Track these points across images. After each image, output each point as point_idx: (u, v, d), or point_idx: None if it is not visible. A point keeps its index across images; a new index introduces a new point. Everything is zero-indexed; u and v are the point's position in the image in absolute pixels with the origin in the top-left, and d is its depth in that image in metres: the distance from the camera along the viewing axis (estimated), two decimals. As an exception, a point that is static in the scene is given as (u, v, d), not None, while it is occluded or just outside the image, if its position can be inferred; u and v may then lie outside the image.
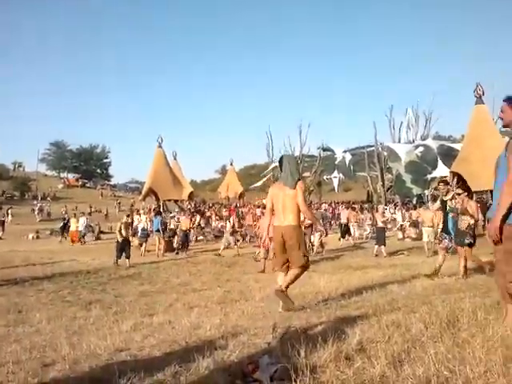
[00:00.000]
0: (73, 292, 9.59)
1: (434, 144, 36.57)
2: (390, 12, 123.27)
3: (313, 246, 16.06)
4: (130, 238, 16.80)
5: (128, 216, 16.51)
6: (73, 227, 24.92)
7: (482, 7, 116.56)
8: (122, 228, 14.76)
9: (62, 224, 26.76)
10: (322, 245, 16.47)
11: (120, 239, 14.61)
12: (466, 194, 8.67)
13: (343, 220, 20.78)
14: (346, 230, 20.31)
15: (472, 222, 8.32)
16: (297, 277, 5.69)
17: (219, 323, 4.93)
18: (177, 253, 17.70)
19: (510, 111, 3.82)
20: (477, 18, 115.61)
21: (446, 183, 9.43)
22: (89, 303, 8.08)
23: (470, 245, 8.31)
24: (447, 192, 8.88)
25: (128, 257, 14.33)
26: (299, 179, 5.79)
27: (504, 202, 3.55)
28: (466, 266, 8.32)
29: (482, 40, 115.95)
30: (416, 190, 40.24)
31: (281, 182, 5.88)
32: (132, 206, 44.94)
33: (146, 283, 10.59)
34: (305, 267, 5.66)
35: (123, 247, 14.50)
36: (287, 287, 5.65)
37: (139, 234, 18.52)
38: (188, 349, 3.82)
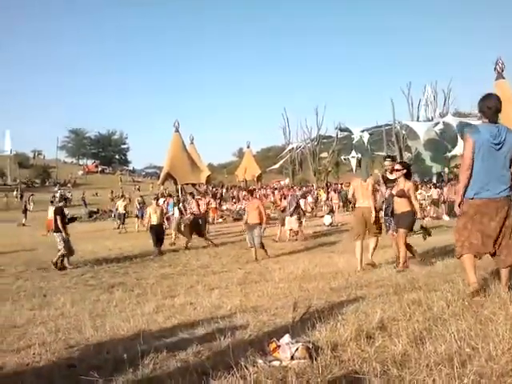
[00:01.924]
0: (95, 276, 9.75)
1: (453, 121, 36.00)
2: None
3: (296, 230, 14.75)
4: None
5: (156, 199, 15.86)
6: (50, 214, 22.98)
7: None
8: (152, 213, 13.55)
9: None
10: (297, 231, 14.72)
11: (155, 222, 13.36)
12: (405, 171, 7.19)
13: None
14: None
15: (408, 207, 7.12)
16: (375, 243, 7.88)
17: (239, 304, 4.97)
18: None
19: None
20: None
21: (393, 159, 8.29)
22: (111, 286, 8.22)
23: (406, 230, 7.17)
24: (392, 170, 7.62)
25: (160, 244, 13.14)
26: (370, 175, 8.22)
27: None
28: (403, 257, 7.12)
29: (504, 15, 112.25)
30: (436, 168, 39.72)
31: (359, 176, 8.33)
32: (162, 191, 45.30)
33: (167, 266, 10.70)
34: (378, 235, 7.93)
35: (157, 234, 13.25)
36: (372, 253, 7.83)
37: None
38: (209, 329, 3.87)
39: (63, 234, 11.19)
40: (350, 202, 22.12)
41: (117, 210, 24.57)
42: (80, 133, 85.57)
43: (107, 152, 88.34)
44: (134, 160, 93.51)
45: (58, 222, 11.23)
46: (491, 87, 21.74)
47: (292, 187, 43.05)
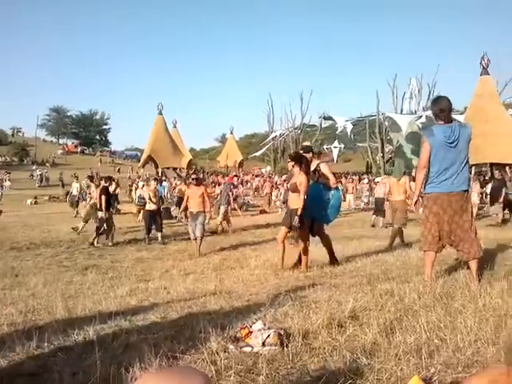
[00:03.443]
0: (70, 257, 9.64)
1: (431, 111, 36.25)
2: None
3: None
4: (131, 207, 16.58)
5: (156, 181, 14.76)
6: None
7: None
8: (152, 196, 12.35)
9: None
10: (225, 220, 14.34)
11: (152, 207, 12.30)
12: (296, 162, 6.29)
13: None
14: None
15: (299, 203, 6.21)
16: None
17: (214, 289, 4.97)
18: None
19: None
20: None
21: (308, 150, 6.91)
22: (85, 268, 8.14)
23: (299, 228, 6.37)
24: (311, 162, 6.64)
25: (160, 229, 12.26)
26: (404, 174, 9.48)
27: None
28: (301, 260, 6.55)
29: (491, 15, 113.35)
30: (416, 162, 40.05)
31: (396, 175, 10.20)
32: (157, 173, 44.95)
33: (143, 249, 10.64)
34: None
35: (154, 218, 12.27)
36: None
37: (137, 202, 18.51)
38: (182, 313, 3.85)
39: (104, 212, 11.61)
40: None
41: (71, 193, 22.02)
42: (61, 111, 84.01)
43: (88, 132, 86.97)
44: (115, 141, 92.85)
45: (103, 200, 11.65)
46: (475, 82, 22.09)
47: (270, 176, 43.14)
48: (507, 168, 22.88)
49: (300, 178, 6.14)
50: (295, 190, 6.22)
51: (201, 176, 18.64)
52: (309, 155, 6.57)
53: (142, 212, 17.58)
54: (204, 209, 10.02)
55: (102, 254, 10.10)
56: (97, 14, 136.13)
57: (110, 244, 11.47)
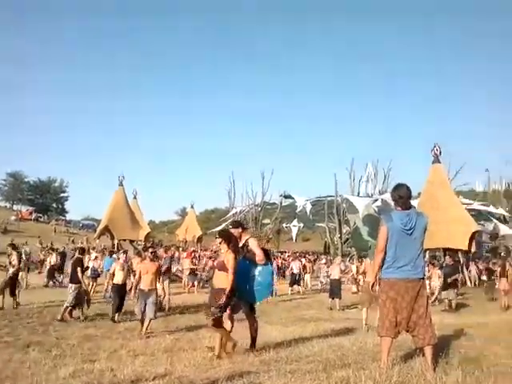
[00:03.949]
0: (12, 332, 9.04)
1: (391, 198, 37.55)
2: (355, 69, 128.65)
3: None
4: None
5: (125, 253, 13.79)
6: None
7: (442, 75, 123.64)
8: (118, 269, 11.55)
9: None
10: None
11: (120, 281, 11.35)
12: (223, 240, 6.01)
13: (295, 270, 20.79)
14: (295, 280, 20.36)
15: (225, 283, 5.78)
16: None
17: (164, 373, 4.71)
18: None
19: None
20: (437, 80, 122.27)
21: (237, 226, 6.57)
22: (27, 345, 7.61)
23: (217, 316, 5.78)
24: (240, 237, 6.32)
25: (121, 309, 11.17)
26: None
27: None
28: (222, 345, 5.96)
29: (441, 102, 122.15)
30: (372, 244, 40.85)
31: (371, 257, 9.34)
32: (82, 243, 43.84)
33: (91, 326, 10.11)
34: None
35: (121, 296, 11.22)
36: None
37: (89, 274, 17.87)
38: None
39: (82, 285, 11.33)
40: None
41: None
42: (18, 177, 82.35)
43: (45, 199, 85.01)
44: (73, 210, 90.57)
45: (78, 272, 11.30)
46: (428, 169, 23.24)
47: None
48: (459, 253, 23.64)
49: (228, 257, 5.88)
50: (222, 268, 5.93)
51: (158, 250, 18.22)
52: (238, 230, 6.40)
53: (93, 285, 17.02)
54: (155, 287, 9.46)
55: (46, 329, 9.52)
56: (58, 77, 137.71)
57: (82, 318, 10.99)
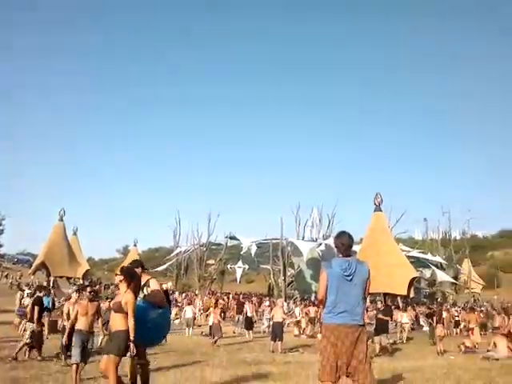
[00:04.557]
0: None
1: (333, 244, 38.28)
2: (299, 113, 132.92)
3: None
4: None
5: (78, 292, 11.26)
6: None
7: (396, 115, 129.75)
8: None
9: None
10: None
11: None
12: (125, 278, 5.64)
13: (249, 314, 20.46)
14: (250, 322, 19.94)
15: (124, 326, 5.42)
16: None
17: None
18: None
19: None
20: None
21: (137, 265, 6.18)
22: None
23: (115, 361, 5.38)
24: (140, 276, 6.01)
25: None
26: None
27: None
28: None
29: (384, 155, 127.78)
30: (315, 287, 41.19)
31: None
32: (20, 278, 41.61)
33: (21, 367, 9.48)
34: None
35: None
36: None
37: (19, 312, 16.90)
38: None
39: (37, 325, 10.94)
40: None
41: None
42: (-51, 207, 77.87)
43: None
44: (8, 244, 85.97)
45: (35, 312, 10.97)
46: (370, 215, 23.94)
47: (173, 291, 41.88)
48: (398, 298, 24.21)
49: (126, 297, 5.44)
50: (119, 310, 5.45)
51: (96, 289, 17.43)
52: (138, 270, 6.00)
53: (22, 324, 16.06)
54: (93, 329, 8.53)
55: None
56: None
57: (40, 358, 10.58)
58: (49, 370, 9.39)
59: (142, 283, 5.89)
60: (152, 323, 5.69)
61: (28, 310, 11.70)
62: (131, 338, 5.31)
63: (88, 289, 9.77)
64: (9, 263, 63.46)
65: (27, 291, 20.61)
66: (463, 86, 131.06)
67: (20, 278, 42.08)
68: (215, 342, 15.82)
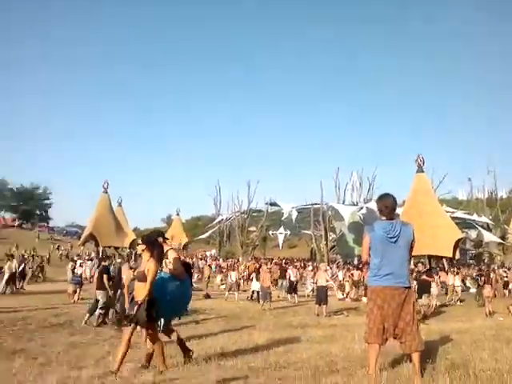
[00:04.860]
0: (-4, 340, 8.90)
1: (376, 207, 37.88)
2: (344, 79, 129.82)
3: None
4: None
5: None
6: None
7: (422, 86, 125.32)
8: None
9: None
10: None
11: None
12: (147, 246, 5.51)
13: (292, 278, 20.68)
14: (294, 287, 20.21)
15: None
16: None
17: (152, 380, 4.69)
18: None
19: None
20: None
21: (158, 235, 6.18)
22: (12, 352, 7.50)
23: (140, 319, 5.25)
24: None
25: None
26: None
27: None
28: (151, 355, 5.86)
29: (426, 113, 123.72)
30: (358, 251, 41.11)
31: None
32: (66, 249, 43.30)
33: (78, 333, 9.99)
34: None
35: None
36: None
37: (72, 280, 17.69)
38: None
39: (108, 291, 11.77)
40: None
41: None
42: (2, 183, 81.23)
43: (28, 206, 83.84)
44: (56, 217, 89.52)
45: (104, 279, 11.83)
46: (412, 178, 23.50)
47: (216, 258, 42.82)
48: (444, 260, 23.86)
49: (149, 265, 5.32)
50: (143, 279, 5.30)
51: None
52: (159, 240, 5.92)
53: (79, 292, 16.83)
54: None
55: (31, 336, 9.39)
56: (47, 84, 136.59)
57: (110, 323, 11.27)
58: (104, 335, 9.86)
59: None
60: (171, 295, 5.64)
61: (96, 278, 12.68)
62: (141, 299, 5.16)
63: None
64: (59, 235, 66.11)
65: (79, 261, 21.52)
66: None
67: (71, 249, 43.83)
68: (263, 305, 16.24)
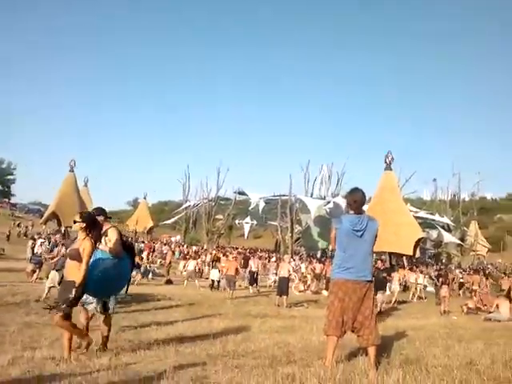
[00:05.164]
0: None
1: (342, 202, 38.35)
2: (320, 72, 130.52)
3: None
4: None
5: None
6: None
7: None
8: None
9: None
10: None
11: None
12: (85, 224, 5.16)
13: (253, 268, 20.75)
14: (255, 278, 20.28)
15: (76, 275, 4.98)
16: None
17: (108, 364, 4.62)
18: None
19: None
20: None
21: (100, 213, 5.93)
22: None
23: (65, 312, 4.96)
24: (102, 225, 5.65)
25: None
26: None
27: None
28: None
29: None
30: (322, 244, 41.68)
31: None
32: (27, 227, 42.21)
33: (33, 313, 9.76)
34: None
35: None
36: None
37: (31, 260, 17.30)
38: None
39: None
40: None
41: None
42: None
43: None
44: (20, 194, 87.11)
45: None
46: (380, 175, 23.88)
47: (181, 244, 42.61)
48: (404, 258, 24.45)
49: (85, 244, 5.03)
50: (75, 257, 5.04)
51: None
52: (100, 218, 5.69)
53: (37, 272, 16.47)
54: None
55: (-17, 315, 9.13)
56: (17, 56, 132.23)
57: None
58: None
59: (102, 232, 5.57)
60: (104, 273, 5.32)
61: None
62: (76, 285, 4.90)
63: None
64: (21, 212, 64.39)
65: (40, 240, 21.01)
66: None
67: (32, 227, 42.78)
68: (230, 293, 16.38)
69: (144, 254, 21.71)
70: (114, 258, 5.46)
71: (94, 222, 5.29)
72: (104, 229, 5.62)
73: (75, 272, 4.98)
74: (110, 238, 5.60)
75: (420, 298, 20.57)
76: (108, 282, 5.38)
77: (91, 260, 5.14)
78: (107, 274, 5.33)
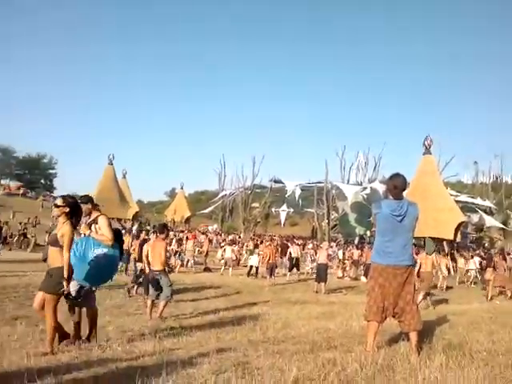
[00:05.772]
0: (-2, 305, 9.02)
1: (380, 187, 37.82)
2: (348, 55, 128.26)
3: None
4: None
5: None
6: None
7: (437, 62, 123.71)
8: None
9: None
10: None
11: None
12: (69, 213, 5.14)
13: (293, 254, 20.71)
14: (295, 264, 20.24)
15: (60, 262, 4.98)
16: None
17: (153, 350, 4.75)
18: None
19: None
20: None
21: (86, 201, 5.82)
22: (15, 318, 7.62)
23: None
24: (90, 214, 5.72)
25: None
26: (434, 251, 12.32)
27: None
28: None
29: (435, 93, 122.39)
30: (359, 230, 41.23)
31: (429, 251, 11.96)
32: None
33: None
34: None
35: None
36: None
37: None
38: (118, 374, 3.65)
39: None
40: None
41: None
42: (8, 152, 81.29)
43: (33, 175, 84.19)
44: (61, 187, 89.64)
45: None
46: (418, 159, 23.39)
47: (219, 233, 43.02)
48: (444, 243, 23.94)
49: (64, 229, 4.96)
50: (55, 243, 5.00)
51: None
52: (87, 206, 5.67)
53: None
54: (163, 267, 8.51)
55: (33, 303, 9.48)
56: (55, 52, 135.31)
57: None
58: (103, 305, 9.95)
59: (91, 219, 5.61)
60: (95, 262, 5.24)
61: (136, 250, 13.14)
62: (65, 274, 4.85)
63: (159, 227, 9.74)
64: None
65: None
66: None
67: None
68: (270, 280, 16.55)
69: (190, 244, 22.18)
70: (105, 246, 5.37)
71: (75, 207, 5.21)
72: (93, 216, 5.65)
73: (59, 258, 4.94)
74: (100, 225, 5.55)
75: (475, 283, 20.13)
76: (99, 269, 5.31)
77: (82, 248, 5.15)
78: (97, 262, 5.26)
